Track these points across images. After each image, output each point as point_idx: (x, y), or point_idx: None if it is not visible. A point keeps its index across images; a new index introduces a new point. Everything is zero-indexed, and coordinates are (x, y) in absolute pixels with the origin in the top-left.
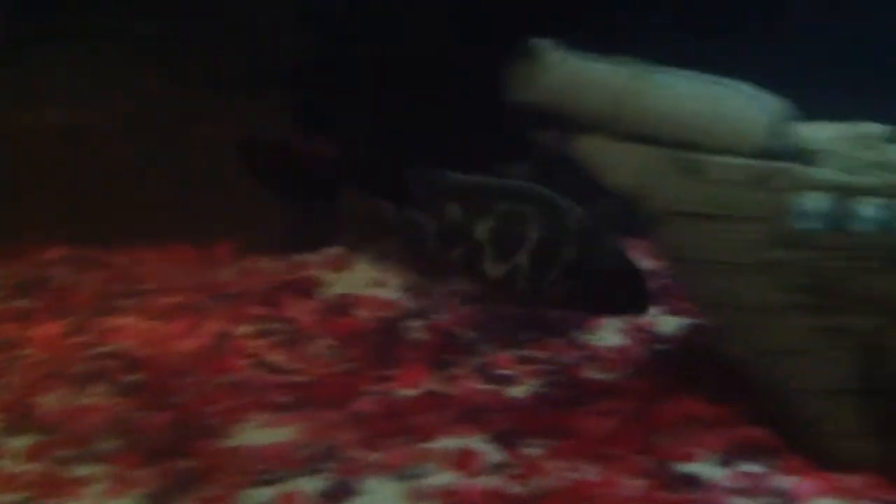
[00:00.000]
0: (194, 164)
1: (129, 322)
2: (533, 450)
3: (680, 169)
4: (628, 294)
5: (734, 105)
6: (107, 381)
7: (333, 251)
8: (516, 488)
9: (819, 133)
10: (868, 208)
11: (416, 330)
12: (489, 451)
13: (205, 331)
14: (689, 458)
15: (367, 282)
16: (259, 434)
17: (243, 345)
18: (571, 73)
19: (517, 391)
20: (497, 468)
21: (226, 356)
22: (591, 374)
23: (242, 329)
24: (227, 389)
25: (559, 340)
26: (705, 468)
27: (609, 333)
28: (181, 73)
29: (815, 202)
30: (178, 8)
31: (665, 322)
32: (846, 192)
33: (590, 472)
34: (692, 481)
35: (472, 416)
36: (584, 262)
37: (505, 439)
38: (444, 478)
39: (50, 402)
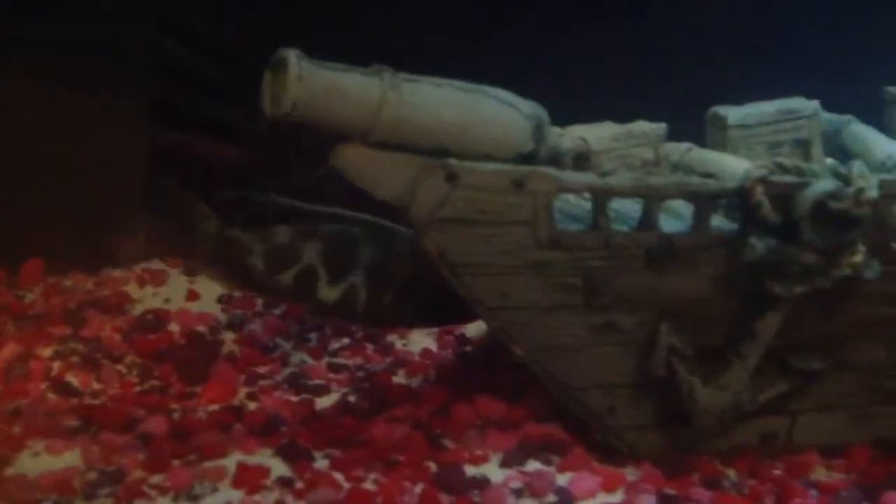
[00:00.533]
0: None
1: None
2: (320, 462)
3: (442, 176)
4: (456, 303)
5: (492, 111)
6: None
7: (148, 265)
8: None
9: (593, 134)
10: (625, 208)
11: (229, 343)
12: (275, 466)
13: (1, 355)
14: (476, 460)
15: (181, 295)
16: (38, 462)
17: (40, 367)
18: (322, 82)
19: (325, 401)
20: (280, 483)
21: (20, 380)
22: (396, 380)
23: (42, 351)
24: (13, 416)
25: (372, 347)
26: (491, 469)
27: (419, 338)
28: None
29: (573, 204)
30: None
31: (474, 326)
32: (603, 192)
33: (371, 482)
34: (475, 483)
35: (266, 430)
36: (417, 279)
37: (292, 453)
38: (225, 496)
39: None
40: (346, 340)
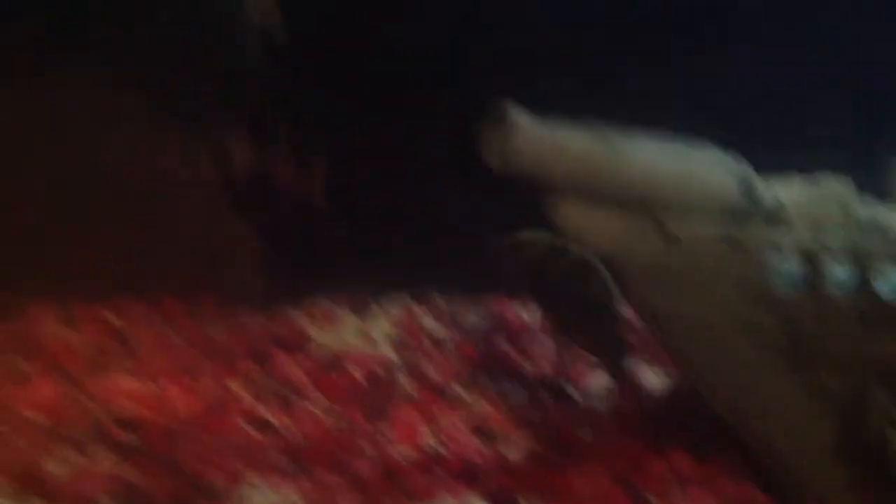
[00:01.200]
0: (170, 206)
1: (125, 382)
2: None
3: (654, 231)
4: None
5: (703, 166)
6: (105, 442)
7: (319, 304)
8: None
9: (785, 190)
10: (839, 270)
11: (406, 385)
12: None
13: (200, 390)
14: None
15: (354, 335)
16: (260, 497)
17: (237, 404)
18: (542, 137)
19: (510, 448)
20: None
21: (222, 416)
22: (581, 431)
23: (236, 387)
24: (226, 451)
25: (548, 394)
26: None
27: (600, 382)
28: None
29: (787, 264)
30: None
31: (649, 375)
32: (818, 254)
33: None
34: None
35: (464, 474)
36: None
37: (501, 499)
38: None
39: (52, 465)
40: (523, 389)
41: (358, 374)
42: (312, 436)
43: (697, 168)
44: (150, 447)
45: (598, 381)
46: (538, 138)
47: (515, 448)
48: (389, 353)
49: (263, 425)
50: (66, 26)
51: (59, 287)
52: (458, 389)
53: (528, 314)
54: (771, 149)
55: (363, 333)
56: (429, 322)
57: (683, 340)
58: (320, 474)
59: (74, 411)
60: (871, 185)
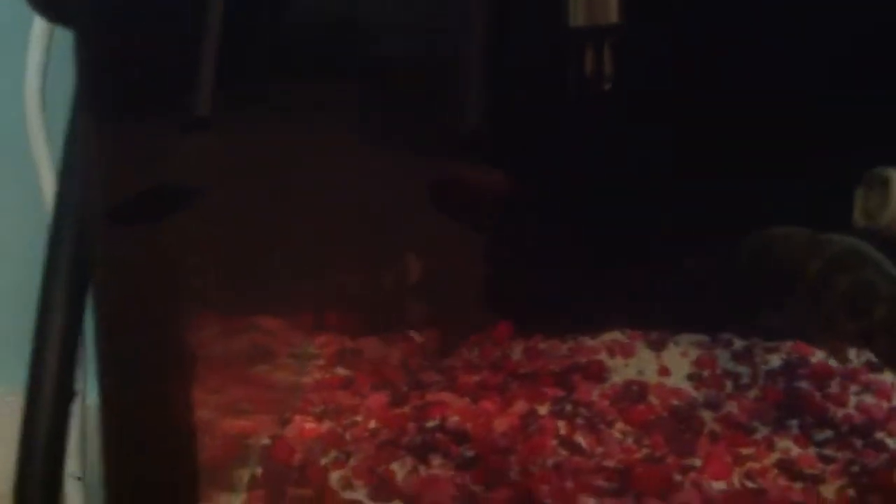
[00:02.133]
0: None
1: (444, 398)
2: None
3: None
4: None
5: None
6: (441, 453)
7: (614, 335)
8: None
9: None
10: None
11: (709, 421)
12: None
13: (512, 410)
14: None
15: (652, 369)
16: None
17: (549, 425)
18: None
19: (827, 491)
20: None
21: (536, 436)
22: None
23: (543, 410)
24: (551, 470)
25: (858, 440)
26: None
27: None
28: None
29: None
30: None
31: None
32: None
33: None
34: None
35: None
36: None
37: None
38: None
39: (398, 470)
40: (829, 432)
41: (660, 407)
42: (627, 462)
43: None
44: (482, 461)
45: None
46: None
47: (831, 490)
48: (689, 389)
49: (576, 448)
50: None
51: (376, 305)
52: (764, 430)
53: (831, 360)
54: None
55: (660, 368)
56: (727, 361)
57: None
58: (647, 500)
59: (404, 421)
60: None
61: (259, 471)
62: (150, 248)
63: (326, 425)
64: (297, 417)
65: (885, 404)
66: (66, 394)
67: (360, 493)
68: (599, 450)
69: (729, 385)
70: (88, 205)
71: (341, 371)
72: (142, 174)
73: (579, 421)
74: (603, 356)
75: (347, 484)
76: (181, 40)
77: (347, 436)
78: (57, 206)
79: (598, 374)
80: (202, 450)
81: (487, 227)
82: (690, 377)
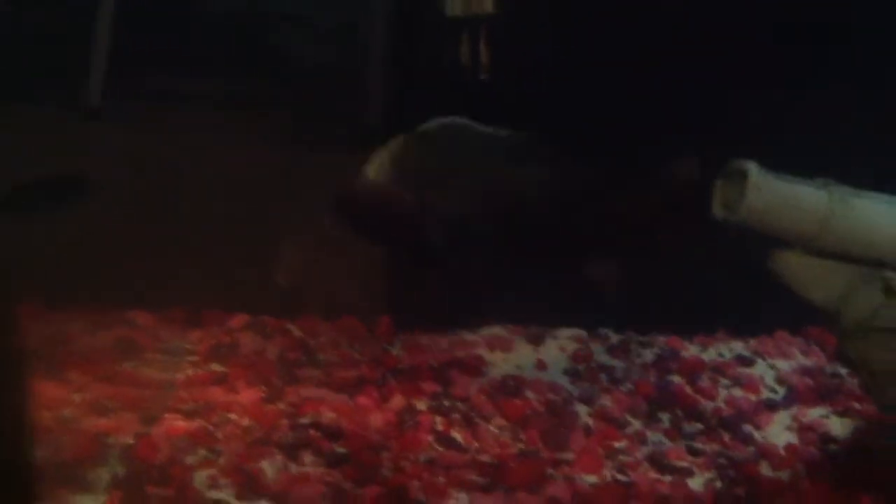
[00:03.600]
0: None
1: (319, 393)
2: None
3: (878, 287)
4: None
5: None
6: (312, 449)
7: (493, 331)
8: None
9: None
10: None
11: (583, 416)
12: None
13: (389, 405)
14: None
15: (530, 363)
16: None
17: (425, 421)
18: (777, 193)
19: (695, 483)
20: None
21: (412, 431)
22: (765, 471)
23: (421, 405)
24: (423, 465)
25: (727, 434)
26: None
27: (778, 430)
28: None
29: None
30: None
31: (835, 422)
32: None
33: None
34: None
35: None
36: None
37: None
38: None
39: (268, 468)
40: (699, 425)
41: (536, 402)
42: (501, 457)
43: None
44: (355, 457)
45: (778, 423)
46: (771, 192)
47: (699, 482)
48: (565, 383)
49: (451, 443)
50: None
51: (251, 301)
52: (636, 423)
53: (702, 352)
54: None
55: (538, 362)
56: (602, 355)
57: (893, 391)
58: (517, 494)
59: (278, 418)
60: None
61: (120, 470)
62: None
63: (197, 423)
64: (167, 415)
65: (752, 397)
66: None
67: (226, 493)
68: (475, 445)
69: (604, 379)
70: None
71: (216, 367)
72: (31, 163)
73: (456, 416)
74: (482, 351)
75: (214, 483)
76: (77, 29)
77: (219, 434)
78: None
79: (476, 368)
80: (58, 449)
81: (386, 241)
82: (566, 371)
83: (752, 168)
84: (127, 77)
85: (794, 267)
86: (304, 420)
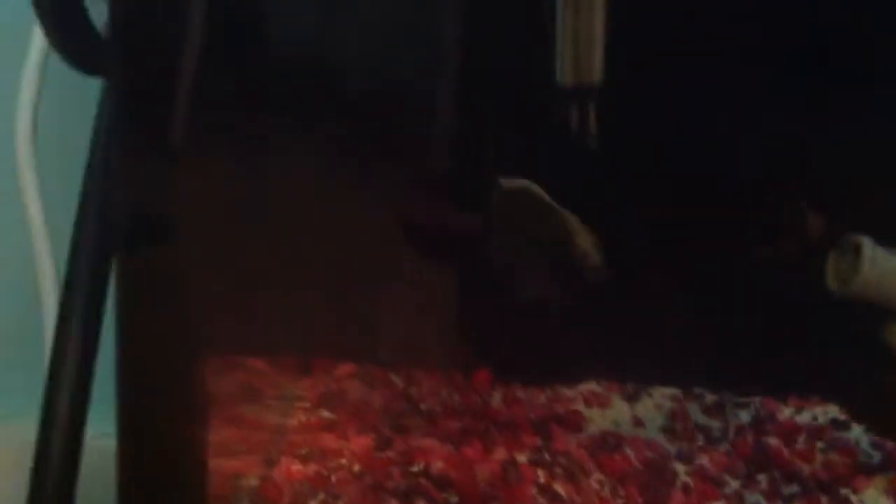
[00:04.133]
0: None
1: (427, 443)
2: None
3: None
4: None
5: None
6: (425, 498)
7: (590, 385)
8: None
9: None
10: None
11: (681, 473)
12: None
13: (493, 457)
14: None
15: (626, 420)
16: None
17: (528, 474)
18: (892, 267)
19: None
20: None
21: (517, 484)
22: None
23: (522, 458)
24: None
25: (825, 497)
26: None
27: (877, 494)
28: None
29: None
30: None
31: None
32: None
33: None
34: None
35: None
36: None
37: None
38: None
39: None
40: (795, 488)
41: (635, 458)
42: None
43: None
44: None
45: (878, 489)
46: (884, 265)
47: None
48: (662, 440)
49: (555, 497)
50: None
51: (358, 350)
52: (734, 484)
53: (798, 415)
54: None
55: (634, 419)
56: (698, 414)
57: None
58: None
59: (390, 466)
60: None
61: None
62: (167, 280)
63: (312, 467)
64: (284, 459)
65: (848, 461)
66: (78, 429)
67: None
68: (577, 499)
69: (700, 438)
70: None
71: (325, 413)
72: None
73: (557, 470)
74: (580, 406)
75: None
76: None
77: (333, 478)
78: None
79: (575, 423)
80: (207, 490)
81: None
82: (663, 429)
83: (867, 243)
84: (210, 117)
85: None
86: (415, 468)
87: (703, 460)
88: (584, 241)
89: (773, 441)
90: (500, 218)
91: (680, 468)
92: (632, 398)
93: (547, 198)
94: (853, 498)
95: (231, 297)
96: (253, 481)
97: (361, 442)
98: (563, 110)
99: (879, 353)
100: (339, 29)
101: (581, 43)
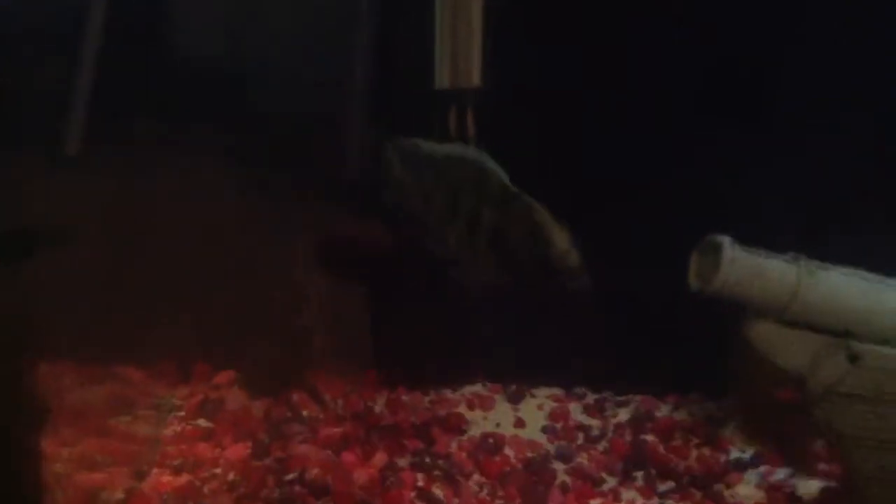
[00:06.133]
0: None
1: (305, 450)
2: None
3: (845, 355)
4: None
5: (893, 299)
6: None
7: (473, 389)
8: None
9: None
10: None
11: (560, 473)
12: None
13: (372, 462)
14: None
15: (509, 422)
16: None
17: (407, 478)
18: (749, 265)
19: None
20: None
21: (395, 489)
22: None
23: (402, 462)
24: None
25: (699, 492)
26: None
27: (748, 489)
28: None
29: None
30: None
31: (804, 484)
32: None
33: None
34: None
35: None
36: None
37: None
38: None
39: None
40: (671, 483)
41: (515, 460)
42: None
43: (887, 302)
44: None
45: (749, 484)
46: (743, 265)
47: None
48: (543, 441)
49: (433, 501)
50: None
51: (239, 360)
52: (612, 481)
53: (676, 413)
54: None
55: (517, 421)
56: (580, 415)
57: (860, 458)
58: None
59: (263, 473)
60: None
61: None
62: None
63: (185, 478)
64: (155, 470)
65: (722, 457)
66: None
67: None
68: (456, 501)
69: (580, 437)
70: None
71: (202, 423)
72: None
73: (437, 473)
74: (463, 409)
75: None
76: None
77: (206, 489)
78: None
79: (457, 426)
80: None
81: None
82: (545, 429)
83: (727, 242)
84: (109, 124)
85: (765, 335)
86: (290, 476)
87: (582, 459)
88: (561, 238)
89: (650, 438)
90: (439, 187)
91: (559, 467)
92: (515, 399)
93: (503, 179)
94: (726, 493)
95: (93, 303)
96: (119, 494)
97: (238, 451)
98: (443, 113)
99: (741, 348)
100: (230, 38)
101: (459, 46)
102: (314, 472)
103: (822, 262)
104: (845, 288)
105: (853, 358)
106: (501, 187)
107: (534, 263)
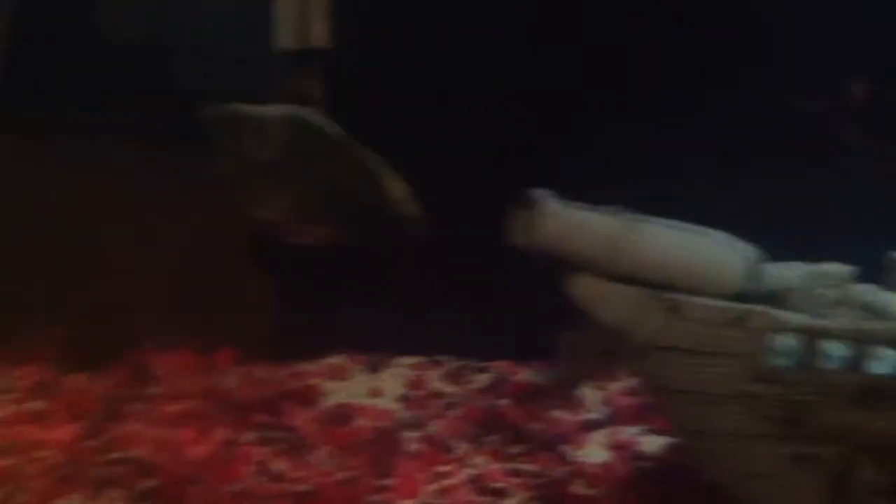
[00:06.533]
0: (191, 265)
1: (140, 428)
2: None
3: (664, 308)
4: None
5: (712, 251)
6: (120, 486)
7: (333, 360)
8: None
9: (786, 273)
10: (835, 348)
11: (412, 440)
12: None
13: (212, 438)
14: None
15: (364, 391)
16: None
17: (248, 452)
18: (569, 220)
19: (511, 503)
20: None
21: (232, 464)
22: (579, 489)
23: (246, 437)
24: (234, 498)
25: (547, 454)
26: None
27: (594, 449)
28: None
29: (786, 341)
30: None
31: (648, 441)
32: (815, 333)
33: None
34: None
35: None
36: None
37: None
38: None
39: None
40: (522, 447)
41: (365, 429)
42: (321, 485)
43: (707, 253)
44: (163, 492)
45: (596, 442)
46: (563, 219)
47: (515, 502)
48: (399, 409)
49: (272, 474)
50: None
51: (83, 334)
52: (463, 447)
53: (538, 377)
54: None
55: (374, 390)
56: (438, 382)
57: (684, 408)
58: None
59: (90, 454)
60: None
61: None
62: None
63: (8, 461)
64: None
65: (577, 419)
66: None
67: None
68: (296, 473)
69: (440, 404)
70: None
71: (38, 404)
72: None
73: (282, 446)
74: (321, 380)
75: None
76: None
77: (27, 470)
78: None
79: (309, 398)
80: None
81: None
82: (401, 398)
83: (545, 196)
84: (17, 108)
85: (587, 289)
86: (115, 455)
87: (436, 426)
88: (396, 187)
89: (506, 402)
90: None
91: (411, 435)
92: (376, 369)
93: (333, 133)
94: (573, 453)
95: None
96: None
97: (67, 431)
98: (290, 74)
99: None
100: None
101: (304, 6)
102: (139, 451)
103: (641, 212)
104: (666, 240)
105: (672, 310)
106: (330, 142)
107: (370, 213)
